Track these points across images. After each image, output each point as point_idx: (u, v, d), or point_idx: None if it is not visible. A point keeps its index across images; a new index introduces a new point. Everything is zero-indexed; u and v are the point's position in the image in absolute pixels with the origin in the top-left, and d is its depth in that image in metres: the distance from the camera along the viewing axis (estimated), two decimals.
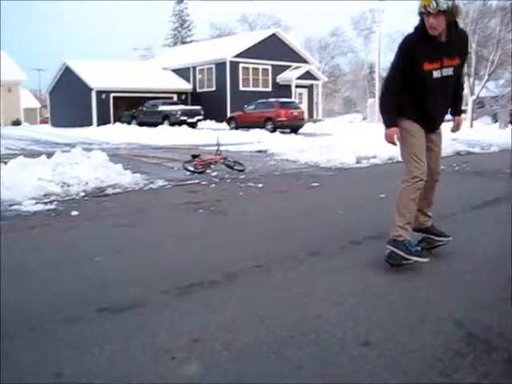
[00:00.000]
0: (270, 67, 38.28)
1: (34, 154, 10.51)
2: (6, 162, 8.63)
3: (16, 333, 2.95)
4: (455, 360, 2.59)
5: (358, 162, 11.64)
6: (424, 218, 4.36)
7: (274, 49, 37.66)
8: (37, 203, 6.86)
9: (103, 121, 34.70)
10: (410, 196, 3.95)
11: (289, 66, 39.03)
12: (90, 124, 34.51)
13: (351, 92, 70.91)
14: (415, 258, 3.92)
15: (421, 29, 3.87)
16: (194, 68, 39.49)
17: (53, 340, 2.87)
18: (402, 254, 3.91)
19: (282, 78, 38.56)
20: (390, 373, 2.49)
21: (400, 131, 4.02)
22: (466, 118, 27.15)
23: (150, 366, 2.57)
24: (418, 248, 4.04)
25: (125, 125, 31.67)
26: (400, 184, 4.05)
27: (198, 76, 39.21)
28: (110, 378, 2.47)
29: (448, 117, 4.29)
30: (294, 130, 26.34)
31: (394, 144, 4.05)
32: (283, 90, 37.35)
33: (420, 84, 3.95)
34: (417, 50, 3.87)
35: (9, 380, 2.41)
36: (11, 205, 6.77)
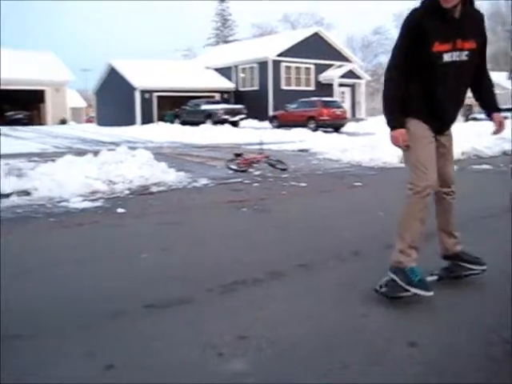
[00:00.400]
0: (312, 66, 38.16)
1: (80, 153, 10.74)
2: (54, 160, 8.88)
3: (65, 327, 3.05)
4: (501, 366, 2.55)
5: (401, 161, 11.47)
6: (450, 239, 3.61)
7: (316, 47, 37.51)
8: (84, 200, 7.03)
9: (147, 120, 35.23)
10: (414, 215, 3.26)
11: (331, 65, 38.81)
12: (134, 123, 35.07)
13: None
14: (415, 290, 3.22)
15: (431, 0, 3.15)
16: (237, 67, 39.67)
17: (102, 334, 2.95)
18: (400, 283, 3.26)
19: (325, 76, 38.37)
20: (437, 375, 2.47)
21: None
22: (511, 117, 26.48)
23: (197, 361, 2.61)
24: (423, 278, 3.29)
25: (168, 124, 32.03)
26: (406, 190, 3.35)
27: (241, 75, 39.38)
28: (157, 371, 2.53)
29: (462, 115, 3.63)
30: (337, 128, 26.19)
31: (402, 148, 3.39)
32: (325, 88, 37.18)
33: (427, 70, 3.22)
34: (424, 26, 3.13)
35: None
36: (59, 201, 6.96)
